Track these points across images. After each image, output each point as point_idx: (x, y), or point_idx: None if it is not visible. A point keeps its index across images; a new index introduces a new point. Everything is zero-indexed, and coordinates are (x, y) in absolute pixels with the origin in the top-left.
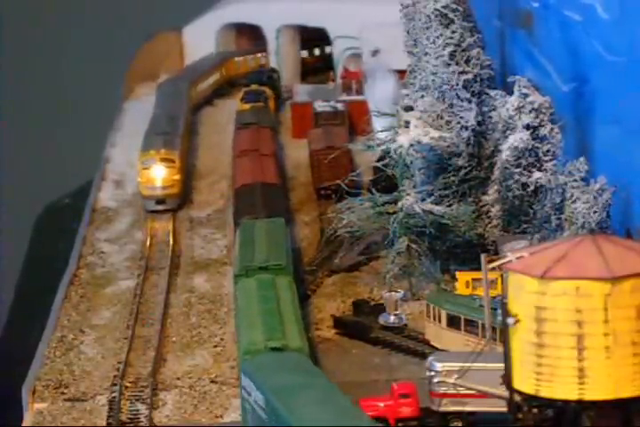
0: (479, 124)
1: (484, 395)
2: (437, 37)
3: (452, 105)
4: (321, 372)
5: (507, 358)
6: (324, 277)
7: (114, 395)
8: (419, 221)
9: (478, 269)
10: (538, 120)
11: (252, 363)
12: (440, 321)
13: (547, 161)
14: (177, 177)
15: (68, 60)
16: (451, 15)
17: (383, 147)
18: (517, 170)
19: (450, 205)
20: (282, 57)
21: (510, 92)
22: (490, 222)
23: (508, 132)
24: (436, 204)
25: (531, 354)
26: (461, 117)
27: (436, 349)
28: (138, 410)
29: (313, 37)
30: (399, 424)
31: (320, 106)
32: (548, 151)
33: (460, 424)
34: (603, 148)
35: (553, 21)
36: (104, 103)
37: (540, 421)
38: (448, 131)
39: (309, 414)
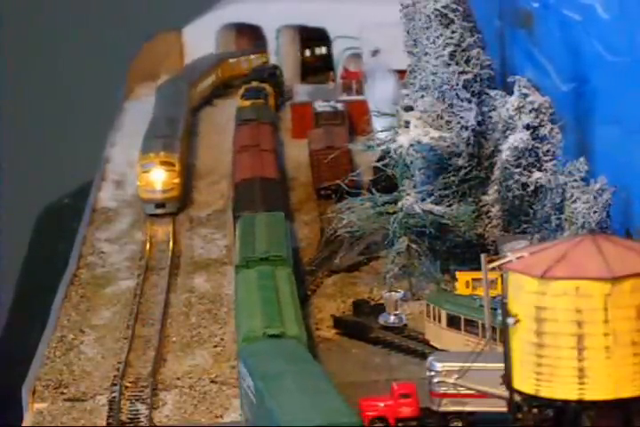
0: (479, 124)
1: (484, 395)
2: (437, 37)
3: (451, 105)
4: (313, 359)
5: (507, 358)
6: (324, 277)
7: (114, 395)
8: (419, 221)
9: (478, 269)
10: (538, 120)
11: (249, 349)
12: (440, 321)
13: (547, 161)
14: (177, 180)
15: (68, 60)
16: (451, 15)
17: (383, 147)
18: (517, 170)
19: (450, 205)
20: (282, 57)
21: (510, 92)
22: (490, 222)
23: (508, 132)
24: (436, 204)
25: (531, 354)
26: (461, 117)
27: (436, 349)
28: (138, 410)
29: (313, 37)
30: (399, 424)
31: (320, 106)
32: (547, 151)
33: (459, 424)
34: (603, 148)
35: (553, 21)
36: (104, 103)
37: (539, 421)
38: (448, 131)
39: (288, 399)
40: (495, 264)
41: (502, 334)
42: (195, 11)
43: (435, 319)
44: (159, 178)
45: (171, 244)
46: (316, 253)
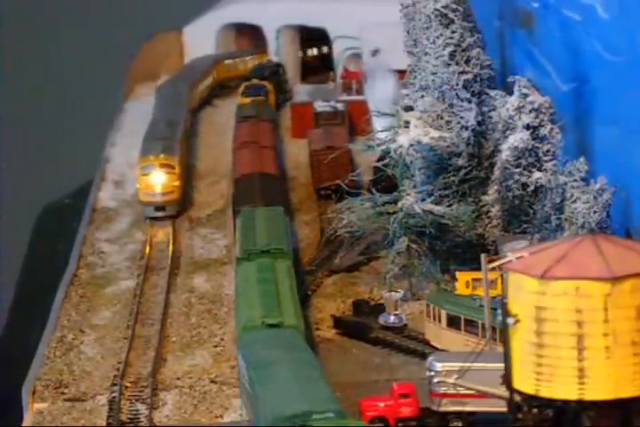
0: (479, 124)
1: (484, 395)
2: (437, 37)
3: (451, 105)
4: (308, 348)
5: (507, 358)
6: (323, 277)
7: (114, 395)
8: (419, 221)
9: (478, 269)
10: (538, 120)
11: (246, 338)
12: (440, 321)
13: (547, 161)
14: (177, 183)
15: (68, 59)
16: (451, 15)
17: (383, 147)
18: (517, 170)
19: (450, 205)
20: (282, 57)
21: (510, 92)
22: (490, 222)
23: (508, 132)
24: (436, 204)
25: (531, 354)
26: (461, 117)
27: (436, 349)
28: (138, 410)
29: (313, 37)
30: (399, 424)
31: (320, 106)
32: (547, 151)
33: (459, 424)
34: (603, 148)
35: (553, 21)
36: (104, 103)
37: (539, 421)
38: (448, 131)
39: (275, 387)
40: (495, 264)
41: (502, 334)
42: (195, 11)
43: (435, 319)
44: (159, 181)
45: (171, 244)
46: (316, 253)
